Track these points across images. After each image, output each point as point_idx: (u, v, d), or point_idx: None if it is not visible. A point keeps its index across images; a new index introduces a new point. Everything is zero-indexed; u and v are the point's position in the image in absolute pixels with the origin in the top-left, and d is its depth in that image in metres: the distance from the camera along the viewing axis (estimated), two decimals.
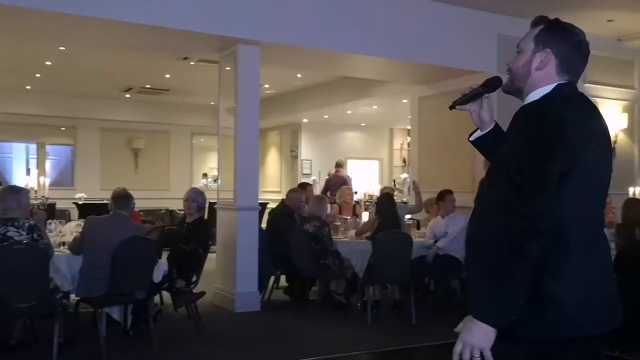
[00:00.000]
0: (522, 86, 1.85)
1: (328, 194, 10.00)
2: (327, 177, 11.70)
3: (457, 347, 1.61)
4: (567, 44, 1.81)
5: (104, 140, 13.61)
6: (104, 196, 10.19)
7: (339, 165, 11.17)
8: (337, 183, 10.36)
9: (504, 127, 1.90)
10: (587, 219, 1.71)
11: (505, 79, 1.97)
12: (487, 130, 2.08)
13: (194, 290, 5.30)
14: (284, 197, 7.10)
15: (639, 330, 5.14)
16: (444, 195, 6.38)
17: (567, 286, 1.64)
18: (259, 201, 6.78)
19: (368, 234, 6.27)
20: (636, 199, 6.05)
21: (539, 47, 1.81)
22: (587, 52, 1.84)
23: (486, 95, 2.03)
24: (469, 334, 1.59)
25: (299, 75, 10.70)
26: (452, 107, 2.12)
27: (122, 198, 4.78)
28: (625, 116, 8.36)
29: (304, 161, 13.93)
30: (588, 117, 1.77)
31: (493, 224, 1.63)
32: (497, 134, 2.06)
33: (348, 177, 11.05)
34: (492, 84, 1.99)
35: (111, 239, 4.40)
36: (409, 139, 11.60)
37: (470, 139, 2.15)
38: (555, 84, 1.79)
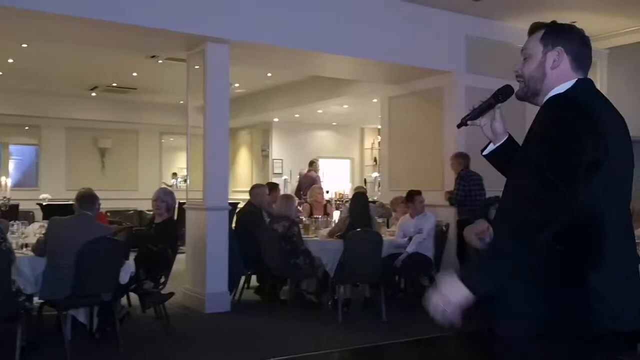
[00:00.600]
0: (539, 89, 1.85)
1: (300, 193, 10.02)
2: (298, 176, 11.71)
3: (435, 299, 1.68)
4: (574, 39, 1.85)
5: (70, 140, 13.35)
6: (69, 197, 9.96)
7: (310, 164, 11.19)
8: (307, 183, 10.38)
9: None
10: (620, 212, 1.73)
11: (515, 87, 1.96)
12: (501, 142, 2.04)
13: (163, 292, 5.23)
14: (250, 196, 7.05)
15: None
16: (413, 196, 6.42)
17: (609, 280, 1.64)
18: (229, 201, 6.73)
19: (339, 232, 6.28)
20: None
21: (548, 47, 1.84)
22: (590, 48, 1.88)
23: (498, 105, 2.02)
24: (450, 289, 1.66)
25: (269, 74, 10.65)
26: (462, 124, 2.07)
27: (87, 198, 4.68)
28: None
29: (275, 160, 13.90)
30: (611, 111, 1.79)
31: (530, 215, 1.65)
32: (511, 145, 2.04)
33: (317, 176, 11.05)
34: (504, 93, 1.97)
35: (75, 240, 4.30)
36: (379, 138, 11.67)
37: (484, 153, 2.10)
38: (575, 79, 1.82)
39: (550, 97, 1.80)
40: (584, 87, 1.81)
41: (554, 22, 1.89)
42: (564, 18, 7.70)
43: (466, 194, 6.89)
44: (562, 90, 1.80)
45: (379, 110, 9.11)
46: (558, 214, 1.61)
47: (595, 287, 1.63)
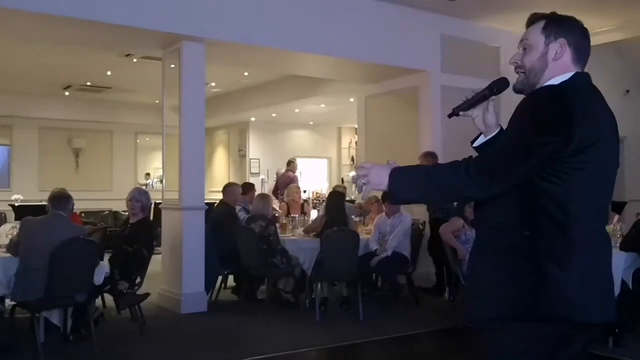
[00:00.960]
0: (538, 80, 1.84)
1: (278, 192, 10.00)
2: (276, 176, 11.69)
3: (361, 172, 1.79)
4: (576, 31, 1.83)
5: (42, 140, 13.12)
6: (42, 197, 9.81)
7: (288, 164, 11.16)
8: (285, 182, 10.37)
9: None
10: (595, 212, 1.73)
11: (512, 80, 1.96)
12: (492, 135, 2.04)
13: (138, 292, 5.18)
14: (222, 195, 7.03)
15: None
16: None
17: (572, 272, 1.66)
18: (206, 201, 6.69)
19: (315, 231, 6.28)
20: None
21: (550, 39, 1.82)
22: (590, 40, 1.86)
23: (492, 97, 2.01)
24: (376, 174, 1.77)
25: (246, 74, 10.61)
26: (452, 114, 2.08)
27: (60, 198, 4.61)
28: None
29: (252, 160, 13.86)
30: (605, 108, 1.78)
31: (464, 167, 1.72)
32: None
33: (295, 176, 11.04)
34: (500, 86, 1.96)
35: (49, 241, 4.23)
36: (356, 137, 11.70)
37: (474, 144, 2.11)
38: (574, 72, 1.81)
39: (540, 87, 1.80)
40: (581, 80, 1.81)
41: (554, 13, 1.86)
42: None
43: None
44: (556, 82, 1.79)
45: (356, 110, 9.14)
46: (495, 173, 1.69)
47: (558, 278, 1.65)
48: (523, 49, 1.86)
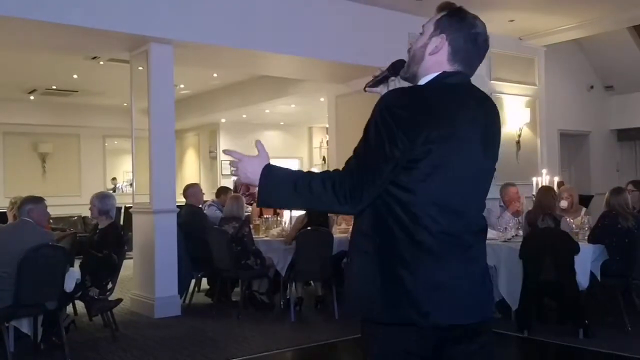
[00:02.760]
0: (416, 71, 1.82)
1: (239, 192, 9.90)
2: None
3: (238, 163, 1.79)
4: (462, 33, 1.77)
5: (7, 146, 12.83)
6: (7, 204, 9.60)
7: None
8: (242, 183, 10.24)
9: None
10: (448, 215, 1.67)
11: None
12: None
13: (110, 298, 5.11)
14: (185, 197, 6.99)
15: (543, 310, 5.50)
16: None
17: (418, 277, 1.65)
18: (177, 204, 6.63)
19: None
20: (549, 186, 6.24)
21: (436, 32, 1.79)
22: (483, 46, 1.80)
23: (392, 78, 2.00)
24: (249, 167, 1.77)
25: (215, 75, 10.55)
26: (364, 90, 2.11)
27: (28, 204, 4.52)
28: (528, 111, 8.85)
29: (223, 162, 13.77)
30: (463, 107, 1.72)
31: (327, 178, 1.69)
32: None
33: None
34: (395, 67, 1.96)
35: (16, 248, 4.15)
36: (327, 136, 11.73)
37: None
38: (441, 71, 1.77)
39: (391, 90, 1.79)
40: (443, 81, 1.76)
41: (457, 8, 1.81)
42: (502, 17, 8.02)
43: None
44: (424, 82, 1.77)
45: (327, 109, 9.16)
46: (358, 192, 1.65)
47: (407, 282, 1.64)
48: (420, 34, 1.86)
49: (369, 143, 1.68)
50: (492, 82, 8.31)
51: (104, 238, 5.10)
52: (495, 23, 7.66)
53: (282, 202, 1.78)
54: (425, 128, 1.62)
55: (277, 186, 1.72)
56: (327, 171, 1.78)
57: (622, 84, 10.86)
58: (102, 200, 5.30)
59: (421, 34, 1.84)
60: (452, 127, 1.66)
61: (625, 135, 11.19)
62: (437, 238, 1.65)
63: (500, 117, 1.88)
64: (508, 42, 8.44)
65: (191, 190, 6.92)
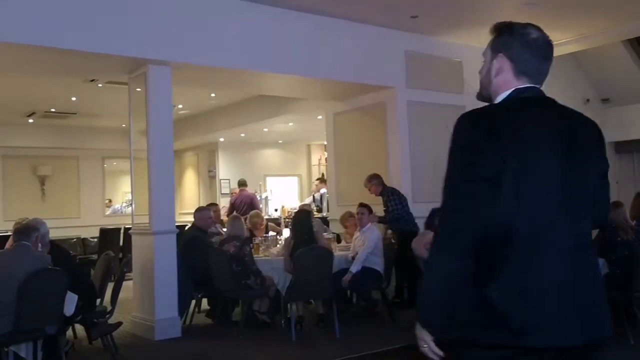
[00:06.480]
0: (489, 94, 1.85)
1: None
2: (231, 197, 11.40)
3: (418, 341, 1.76)
4: (516, 44, 1.79)
5: (6, 169, 12.84)
6: (7, 228, 9.58)
7: (242, 184, 10.94)
8: (243, 202, 10.22)
9: None
10: (534, 229, 1.64)
11: None
12: None
13: (110, 321, 5.07)
14: (193, 219, 6.96)
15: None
16: (358, 209, 6.50)
17: (509, 295, 1.61)
18: (177, 224, 6.62)
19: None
20: None
21: (494, 54, 1.83)
22: (544, 46, 1.81)
23: None
24: (419, 330, 1.74)
25: (213, 95, 10.60)
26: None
27: (24, 229, 4.50)
28: None
29: (222, 181, 13.78)
30: (540, 120, 1.73)
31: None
32: None
33: (255, 195, 10.86)
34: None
35: (15, 272, 4.12)
36: (326, 154, 11.75)
37: None
38: (513, 89, 1.79)
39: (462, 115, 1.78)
40: (512, 95, 1.78)
41: (506, 24, 1.83)
42: None
43: (403, 208, 7.00)
44: (498, 101, 1.80)
45: (325, 127, 9.19)
46: (455, 234, 1.66)
47: (496, 302, 1.61)
48: (483, 62, 1.90)
49: (452, 175, 1.70)
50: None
51: (56, 262, 4.62)
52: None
53: (429, 303, 1.73)
54: (502, 145, 1.64)
55: (423, 307, 1.76)
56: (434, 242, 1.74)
57: (619, 96, 10.90)
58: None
59: (484, 62, 1.88)
60: (528, 141, 1.67)
61: (623, 148, 11.20)
62: (527, 254, 1.63)
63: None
64: None
65: (199, 213, 6.89)
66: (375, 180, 7.14)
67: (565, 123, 1.77)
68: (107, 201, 14.22)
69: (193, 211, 7.19)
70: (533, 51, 1.79)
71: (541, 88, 1.84)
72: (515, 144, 1.65)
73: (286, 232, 7.59)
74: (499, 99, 1.81)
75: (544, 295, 1.61)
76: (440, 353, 1.72)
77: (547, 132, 1.71)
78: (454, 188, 1.69)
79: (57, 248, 5.05)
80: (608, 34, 8.14)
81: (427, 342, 1.72)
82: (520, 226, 1.64)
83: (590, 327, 1.65)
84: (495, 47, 1.82)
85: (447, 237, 1.68)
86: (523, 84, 1.79)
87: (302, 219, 6.27)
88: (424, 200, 7.19)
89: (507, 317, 1.60)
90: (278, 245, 6.74)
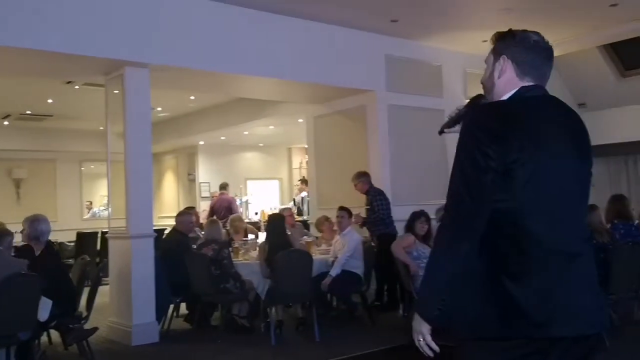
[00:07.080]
0: (492, 97, 1.90)
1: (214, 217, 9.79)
2: (211, 200, 11.40)
3: (413, 334, 1.79)
4: (519, 46, 1.86)
5: None
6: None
7: (223, 187, 10.91)
8: (222, 206, 10.17)
9: None
10: (550, 224, 1.69)
11: None
12: None
13: (86, 326, 4.99)
14: (174, 223, 6.89)
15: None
16: (338, 212, 6.49)
17: (525, 289, 1.66)
18: (155, 227, 6.54)
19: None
20: None
21: (497, 57, 1.89)
22: (545, 49, 1.87)
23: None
24: (416, 322, 1.78)
25: (192, 97, 10.52)
26: (441, 132, 2.15)
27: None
28: None
29: (202, 184, 13.68)
30: (548, 116, 1.79)
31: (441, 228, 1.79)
32: None
33: (233, 199, 10.82)
34: (477, 102, 2.05)
35: None
36: (307, 157, 11.75)
37: None
38: (518, 87, 1.84)
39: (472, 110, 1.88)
40: (519, 93, 1.82)
41: (508, 30, 1.91)
42: (476, 37, 8.11)
43: (386, 210, 7.02)
44: (505, 98, 1.84)
45: (305, 130, 9.18)
46: (468, 224, 1.70)
47: (514, 294, 1.66)
48: (485, 69, 1.96)
49: (462, 164, 1.72)
50: (467, 100, 8.41)
51: (43, 269, 4.64)
52: (469, 43, 7.79)
53: (436, 296, 1.75)
54: (514, 136, 1.68)
55: (422, 298, 1.84)
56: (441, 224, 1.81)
57: (594, 101, 11.06)
58: (32, 224, 5.00)
59: (486, 68, 1.93)
60: (539, 134, 1.72)
61: (599, 152, 11.28)
62: (543, 247, 1.68)
63: None
64: (482, 61, 8.55)
65: (180, 217, 6.84)
66: (363, 178, 7.16)
67: (571, 122, 1.85)
68: (87, 203, 14.02)
69: (173, 215, 7.13)
70: (535, 53, 1.86)
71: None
72: (533, 136, 1.70)
73: (262, 236, 7.55)
74: (505, 97, 1.85)
75: (562, 288, 1.67)
76: (436, 348, 1.75)
77: (559, 129, 1.78)
78: (466, 177, 1.70)
79: (52, 249, 5.01)
80: (583, 39, 8.27)
81: (424, 335, 1.75)
82: (537, 220, 1.69)
83: (601, 316, 1.77)
84: (498, 51, 1.90)
85: (459, 224, 1.71)
86: (527, 83, 1.85)
87: (275, 224, 6.24)
88: (403, 203, 7.23)
89: (530, 312, 1.65)
90: (258, 249, 6.69)
